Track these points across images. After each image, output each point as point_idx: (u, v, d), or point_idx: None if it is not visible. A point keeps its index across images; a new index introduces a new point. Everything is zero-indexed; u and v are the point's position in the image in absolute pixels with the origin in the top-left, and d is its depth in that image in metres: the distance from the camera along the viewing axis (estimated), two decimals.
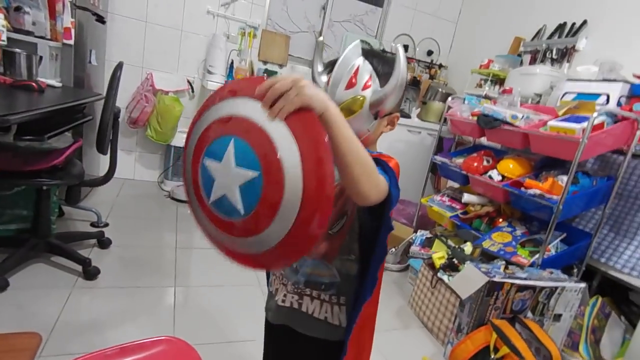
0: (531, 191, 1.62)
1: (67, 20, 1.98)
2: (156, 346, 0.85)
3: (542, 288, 1.45)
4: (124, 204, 2.49)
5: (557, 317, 1.53)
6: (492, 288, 1.39)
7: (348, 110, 0.67)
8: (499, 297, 1.41)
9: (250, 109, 0.53)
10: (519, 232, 1.83)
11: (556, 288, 1.46)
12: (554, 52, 2.47)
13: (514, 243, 1.76)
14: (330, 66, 0.73)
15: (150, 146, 2.95)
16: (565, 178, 1.60)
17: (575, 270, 1.76)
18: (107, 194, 2.58)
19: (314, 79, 0.73)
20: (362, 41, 0.71)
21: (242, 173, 0.52)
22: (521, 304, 1.45)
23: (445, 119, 2.40)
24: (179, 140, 2.87)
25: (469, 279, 1.43)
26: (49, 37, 1.92)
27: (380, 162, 0.66)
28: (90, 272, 1.57)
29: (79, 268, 1.59)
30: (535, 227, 1.86)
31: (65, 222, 2.07)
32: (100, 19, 2.42)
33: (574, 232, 1.80)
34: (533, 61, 2.67)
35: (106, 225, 2.11)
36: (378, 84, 0.68)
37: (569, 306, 1.52)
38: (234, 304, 1.62)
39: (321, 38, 0.78)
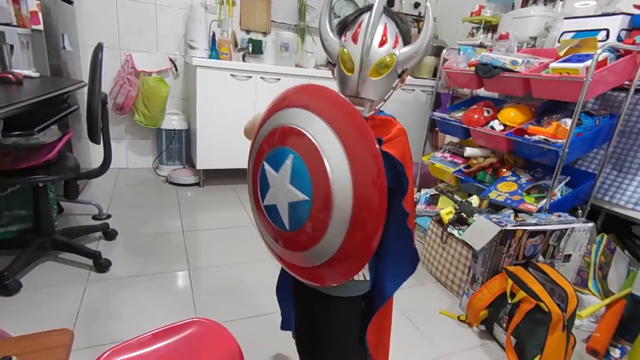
0: (536, 137, 1.61)
1: (31, 3, 1.83)
2: (188, 328, 0.85)
3: (553, 231, 1.47)
4: (123, 194, 2.44)
5: (567, 258, 1.57)
6: (504, 237, 1.41)
7: (383, 66, 0.68)
8: (512, 244, 1.43)
9: (318, 130, 0.55)
10: (523, 180, 1.84)
11: (566, 230, 1.48)
12: None
13: (519, 191, 1.77)
14: (341, 24, 0.73)
15: (140, 132, 2.86)
16: (568, 121, 1.58)
17: (580, 211, 1.79)
18: (103, 186, 2.52)
19: (323, 41, 0.74)
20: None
21: (295, 193, 0.57)
22: (533, 249, 1.48)
23: (440, 73, 2.34)
24: (169, 122, 2.78)
25: (482, 231, 1.45)
26: (15, 23, 1.79)
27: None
28: (102, 265, 1.55)
29: (90, 262, 1.57)
30: (539, 173, 1.86)
31: (66, 218, 2.03)
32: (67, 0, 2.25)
33: (578, 174, 1.81)
34: (525, 3, 2.58)
35: (109, 216, 2.08)
36: (402, 42, 0.69)
37: (578, 246, 1.55)
38: (250, 281, 1.63)
39: None
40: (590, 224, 1.53)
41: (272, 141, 0.61)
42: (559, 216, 1.57)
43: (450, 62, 2.18)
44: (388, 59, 0.67)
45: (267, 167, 0.61)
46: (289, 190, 0.57)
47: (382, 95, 0.71)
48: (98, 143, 1.53)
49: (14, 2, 1.80)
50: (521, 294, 1.31)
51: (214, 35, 2.69)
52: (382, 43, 0.67)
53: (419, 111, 3.10)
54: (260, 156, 0.63)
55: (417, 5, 3.44)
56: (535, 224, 1.45)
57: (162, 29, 2.73)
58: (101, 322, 1.30)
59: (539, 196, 1.77)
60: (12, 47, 1.64)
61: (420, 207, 2.29)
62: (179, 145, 2.86)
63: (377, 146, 0.53)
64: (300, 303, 0.91)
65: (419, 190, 2.41)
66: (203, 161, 2.60)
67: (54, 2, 2.00)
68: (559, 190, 1.74)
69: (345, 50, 0.69)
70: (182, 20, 2.74)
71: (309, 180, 0.55)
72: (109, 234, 1.83)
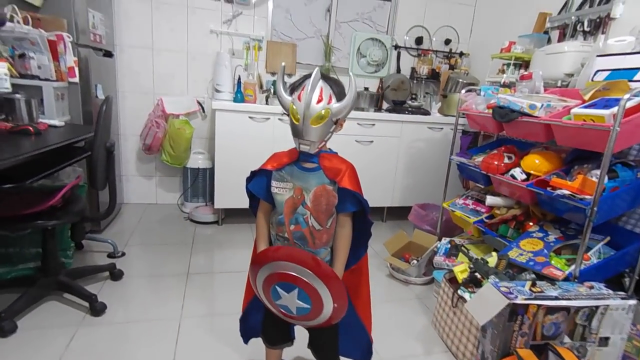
0: (559, 191, 1.39)
1: (69, 60, 2.05)
2: None
3: (579, 308, 1.22)
4: (143, 230, 2.53)
5: (604, 341, 1.28)
6: (514, 311, 1.20)
7: (320, 117, 0.92)
8: (525, 321, 1.21)
9: (312, 280, 0.93)
10: (552, 238, 1.59)
11: (597, 307, 1.23)
12: (586, 24, 2.16)
13: (545, 251, 1.53)
14: (291, 87, 1.00)
15: (168, 170, 3.01)
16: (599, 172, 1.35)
17: (626, 279, 1.49)
18: (128, 221, 2.65)
19: (278, 97, 0.98)
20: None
21: (300, 303, 0.97)
22: (554, 329, 1.23)
23: (462, 114, 2.18)
24: (194, 162, 2.90)
25: (487, 301, 1.25)
26: (54, 78, 1.99)
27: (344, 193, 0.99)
28: (96, 308, 1.58)
29: (87, 304, 1.61)
30: (572, 230, 1.60)
31: (84, 255, 2.14)
32: (108, 54, 2.50)
33: (622, 233, 1.53)
34: (562, 37, 2.36)
35: (123, 255, 2.15)
36: (335, 99, 0.94)
37: (618, 327, 1.27)
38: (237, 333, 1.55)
39: (283, 64, 1.06)
40: (632, 302, 1.25)
41: (281, 277, 0.95)
42: (591, 287, 1.31)
43: (469, 103, 2.03)
44: (324, 112, 0.91)
45: (279, 289, 0.97)
46: (296, 302, 0.97)
47: (322, 138, 0.95)
48: (99, 189, 1.60)
49: (55, 59, 2.02)
50: None
51: (239, 78, 2.80)
52: (319, 101, 0.91)
53: (445, 152, 2.91)
54: (270, 282, 0.98)
55: (447, 42, 3.33)
56: (555, 297, 1.22)
57: (193, 75, 2.91)
58: None
59: (571, 257, 1.51)
60: (41, 100, 1.81)
61: (439, 259, 2.08)
62: (203, 183, 2.95)
63: (338, 278, 0.95)
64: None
65: (439, 239, 2.21)
66: (221, 200, 2.64)
67: (91, 56, 2.22)
68: (595, 253, 1.47)
69: (294, 106, 0.93)
70: (211, 65, 2.90)
71: (309, 299, 0.95)
72: (115, 275, 1.88)
